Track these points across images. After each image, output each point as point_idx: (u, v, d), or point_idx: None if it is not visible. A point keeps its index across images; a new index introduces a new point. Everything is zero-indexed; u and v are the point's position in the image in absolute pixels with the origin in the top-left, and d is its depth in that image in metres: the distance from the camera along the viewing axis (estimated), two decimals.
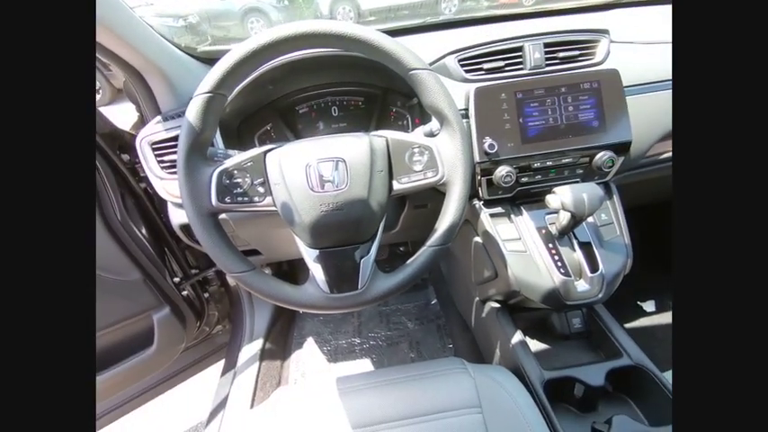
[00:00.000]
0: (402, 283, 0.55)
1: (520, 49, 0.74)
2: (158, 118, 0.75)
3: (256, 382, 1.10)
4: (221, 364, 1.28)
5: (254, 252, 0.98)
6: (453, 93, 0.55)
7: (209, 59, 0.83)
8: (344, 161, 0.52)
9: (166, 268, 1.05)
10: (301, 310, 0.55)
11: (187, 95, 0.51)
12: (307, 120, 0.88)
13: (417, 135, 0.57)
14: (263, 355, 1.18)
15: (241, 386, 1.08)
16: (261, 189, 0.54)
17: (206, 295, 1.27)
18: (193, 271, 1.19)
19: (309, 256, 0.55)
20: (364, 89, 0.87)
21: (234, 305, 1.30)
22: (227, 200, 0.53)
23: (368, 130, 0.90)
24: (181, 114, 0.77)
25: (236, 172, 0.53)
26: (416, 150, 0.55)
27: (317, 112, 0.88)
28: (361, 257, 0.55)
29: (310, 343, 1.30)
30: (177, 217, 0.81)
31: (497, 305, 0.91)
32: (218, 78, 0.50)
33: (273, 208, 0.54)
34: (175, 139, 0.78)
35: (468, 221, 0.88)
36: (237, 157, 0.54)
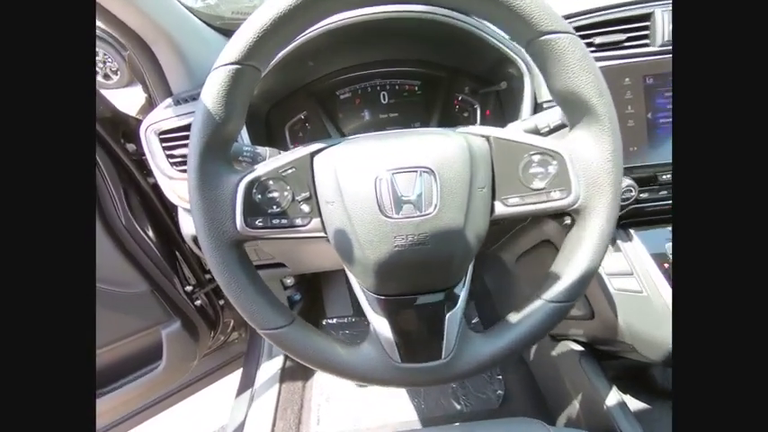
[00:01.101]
0: (507, 350, 0.38)
1: (647, 17, 0.55)
2: (168, 101, 0.59)
3: (276, 407, 0.96)
4: (236, 376, 1.15)
5: (278, 265, 0.83)
6: None
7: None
8: (433, 172, 0.35)
9: (177, 276, 0.91)
10: (358, 383, 0.40)
11: (205, 73, 0.34)
12: (349, 108, 0.71)
13: (533, 136, 0.39)
14: (284, 374, 1.05)
15: (259, 412, 0.95)
16: (305, 207, 0.38)
17: (221, 302, 1.14)
18: (208, 277, 1.05)
19: (371, 304, 0.39)
20: (424, 70, 0.68)
21: None
22: (259, 222, 0.37)
23: (427, 124, 0.74)
24: (196, 97, 0.61)
25: (271, 182, 0.37)
26: (536, 158, 0.37)
27: (363, 99, 0.71)
28: (448, 311, 0.38)
29: None
30: (190, 226, 0.66)
31: (579, 347, 0.73)
32: (248, 44, 0.33)
33: (322, 234, 0.38)
34: (189, 128, 0.62)
35: (548, 242, 0.70)
36: (273, 161, 0.38)
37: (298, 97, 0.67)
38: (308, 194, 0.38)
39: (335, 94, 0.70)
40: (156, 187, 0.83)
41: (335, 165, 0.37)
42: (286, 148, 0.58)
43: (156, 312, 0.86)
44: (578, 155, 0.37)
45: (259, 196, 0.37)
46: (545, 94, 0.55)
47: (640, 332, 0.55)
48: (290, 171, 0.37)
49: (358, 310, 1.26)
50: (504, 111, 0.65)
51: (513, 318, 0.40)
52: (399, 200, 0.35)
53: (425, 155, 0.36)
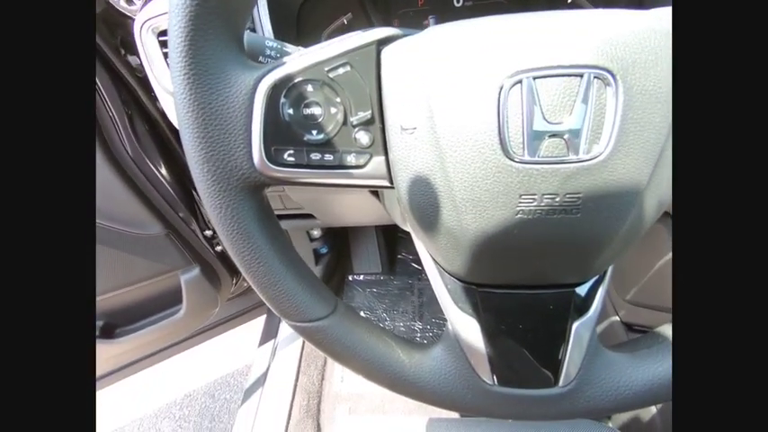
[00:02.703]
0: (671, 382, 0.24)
1: None
2: None
3: (300, 362, 0.91)
4: (259, 323, 1.11)
5: (306, 216, 0.70)
6: None
7: None
8: (613, 78, 0.19)
9: (195, 219, 0.81)
10: (428, 404, 0.29)
11: None
12: (409, 11, 0.52)
13: None
14: None
15: (282, 365, 0.90)
16: (364, 137, 0.23)
17: None
18: None
19: (453, 296, 0.26)
20: None
21: None
22: (289, 157, 0.22)
23: None
24: None
25: (310, 88, 0.22)
26: None
27: None
28: (577, 316, 0.24)
29: None
30: None
31: None
32: None
33: (386, 184, 0.23)
34: None
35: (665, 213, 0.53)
36: (315, 53, 0.22)
37: None
38: (368, 114, 0.23)
39: None
40: (164, 113, 0.69)
41: (423, 62, 0.21)
42: None
43: (173, 257, 0.78)
44: None
45: (290, 111, 0.22)
46: None
47: None
48: (341, 71, 0.22)
49: (388, 268, 1.16)
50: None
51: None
52: (540, 129, 0.19)
53: (602, 46, 0.19)
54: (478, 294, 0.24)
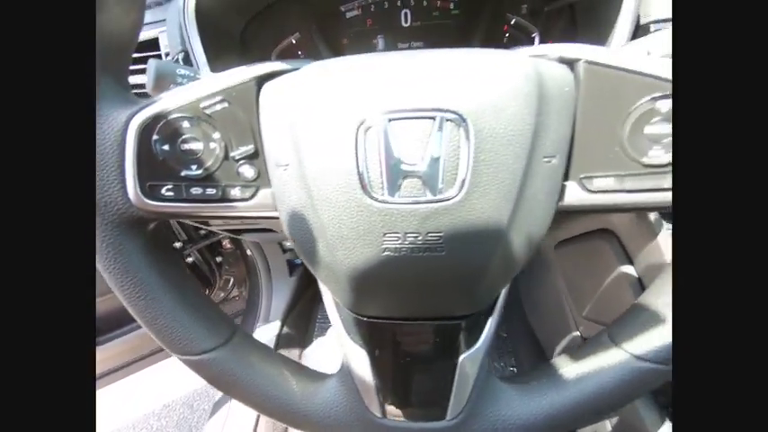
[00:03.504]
0: (558, 418, 0.24)
1: None
2: None
3: None
4: None
5: (266, 229, 0.70)
6: None
7: None
8: (464, 122, 0.19)
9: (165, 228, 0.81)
10: None
11: None
12: (358, 30, 0.53)
13: (661, 61, 0.21)
14: (279, 342, 0.98)
15: None
16: (248, 170, 0.23)
17: (218, 259, 1.06)
18: (202, 232, 0.96)
19: (346, 325, 0.26)
20: None
21: (250, 276, 1.09)
22: (167, 192, 0.23)
23: None
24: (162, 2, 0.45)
25: (186, 124, 0.22)
26: (664, 106, 0.20)
27: (377, 19, 0.52)
28: (465, 349, 0.24)
29: None
30: None
31: None
32: None
33: (274, 214, 0.23)
34: (154, 45, 0.47)
35: (607, 232, 0.53)
36: (193, 89, 0.22)
37: (288, 11, 0.49)
38: (251, 149, 0.23)
39: (340, 11, 0.51)
40: None
41: (291, 101, 0.21)
42: None
43: None
44: None
45: (165, 147, 0.22)
46: (656, 8, 0.35)
47: None
48: (218, 107, 0.22)
49: None
50: (576, 41, 0.45)
51: (574, 367, 0.25)
52: (398, 170, 0.19)
53: (453, 90, 0.19)
54: (367, 325, 0.24)
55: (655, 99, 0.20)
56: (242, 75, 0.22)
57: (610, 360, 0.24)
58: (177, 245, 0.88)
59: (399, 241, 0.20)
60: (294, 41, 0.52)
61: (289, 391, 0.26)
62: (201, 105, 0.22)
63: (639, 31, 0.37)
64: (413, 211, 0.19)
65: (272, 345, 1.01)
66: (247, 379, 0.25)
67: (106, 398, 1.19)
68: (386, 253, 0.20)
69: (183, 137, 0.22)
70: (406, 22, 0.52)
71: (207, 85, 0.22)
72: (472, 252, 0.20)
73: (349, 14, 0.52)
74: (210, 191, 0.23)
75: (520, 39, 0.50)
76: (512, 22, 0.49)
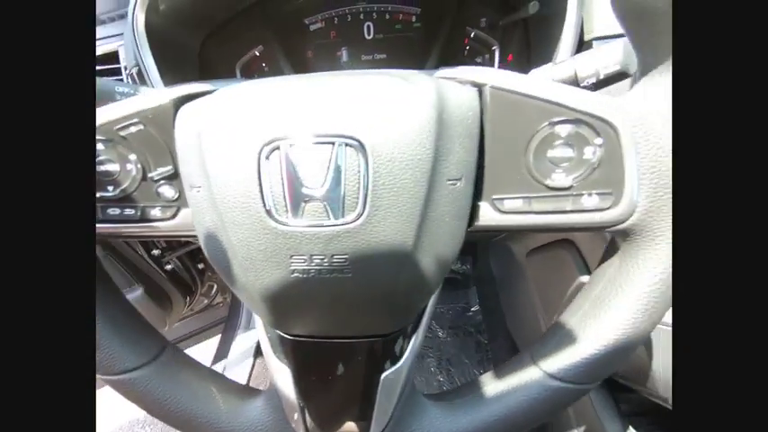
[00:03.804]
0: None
1: None
2: None
3: (248, 380, 0.90)
4: (216, 342, 1.11)
5: None
6: None
7: None
8: (361, 147, 0.19)
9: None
10: None
11: None
12: (322, 43, 0.53)
13: (565, 88, 0.21)
14: (259, 349, 0.98)
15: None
16: (168, 191, 0.23)
17: (200, 266, 1.06)
18: (182, 239, 0.96)
19: (272, 344, 0.26)
20: None
21: None
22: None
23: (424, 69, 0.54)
24: (124, 15, 0.45)
25: (100, 146, 0.23)
26: (564, 130, 0.20)
27: (340, 32, 0.52)
28: (385, 367, 0.24)
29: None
30: None
31: None
32: None
33: (189, 233, 0.24)
34: (114, 58, 0.47)
35: (567, 242, 0.53)
36: (105, 113, 0.23)
37: (250, 24, 0.50)
38: (170, 169, 0.23)
39: (304, 23, 0.52)
40: None
41: (201, 124, 0.21)
42: None
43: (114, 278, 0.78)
44: (651, 128, 0.19)
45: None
46: (598, 25, 0.36)
47: None
48: (133, 129, 0.22)
49: None
50: (531, 54, 0.46)
51: (495, 385, 0.25)
52: (300, 193, 0.20)
53: (351, 114, 0.19)
54: (290, 343, 0.24)
55: (553, 124, 0.20)
56: (159, 97, 0.23)
57: (527, 378, 0.24)
58: (155, 252, 0.88)
59: (306, 263, 0.20)
60: (258, 54, 0.52)
61: (214, 410, 0.26)
62: (115, 128, 0.22)
63: (584, 47, 0.37)
64: (316, 234, 0.20)
65: (251, 353, 1.01)
66: (172, 398, 0.25)
67: (106, 397, 1.18)
68: (295, 274, 0.20)
69: (99, 158, 0.23)
70: (369, 34, 0.52)
71: (122, 107, 0.22)
72: (378, 274, 0.20)
73: (313, 27, 0.52)
74: (129, 211, 0.23)
75: (480, 51, 0.50)
76: (472, 36, 0.50)
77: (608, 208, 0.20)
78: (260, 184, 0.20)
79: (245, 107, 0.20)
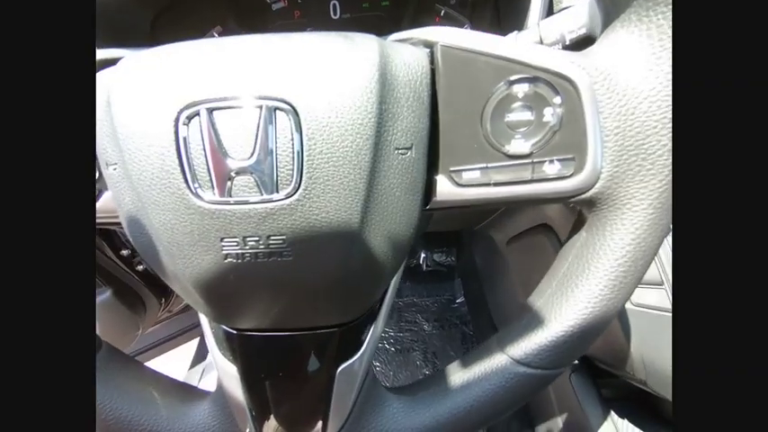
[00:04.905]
0: (442, 429, 0.22)
1: None
2: None
3: None
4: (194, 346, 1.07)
5: None
6: None
7: None
8: (293, 111, 0.17)
9: (105, 238, 0.77)
10: None
11: None
12: (285, 24, 0.50)
13: (522, 46, 0.19)
14: None
15: (209, 386, 0.86)
16: None
17: None
18: None
19: (216, 340, 0.23)
20: None
21: None
22: None
23: None
24: None
25: None
26: (521, 91, 0.18)
27: (304, 11, 0.50)
28: (341, 361, 0.22)
29: None
30: None
31: None
32: None
33: (114, 220, 0.21)
34: None
35: (546, 227, 0.52)
36: None
37: (204, 2, 0.47)
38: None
39: (265, 2, 0.49)
40: None
41: (108, 92, 0.18)
42: None
43: None
44: (613, 84, 0.18)
45: None
46: None
47: (659, 367, 0.39)
48: None
49: None
50: (502, 29, 0.44)
51: (460, 374, 0.24)
52: (224, 166, 0.17)
53: (281, 76, 0.17)
54: (236, 339, 0.22)
55: (510, 83, 0.18)
56: None
57: (494, 365, 0.23)
58: (125, 252, 0.84)
59: (239, 246, 0.18)
60: (216, 35, 0.49)
61: (153, 415, 0.23)
62: None
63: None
64: (247, 212, 0.17)
65: None
66: (104, 403, 0.23)
67: None
68: (228, 260, 0.18)
69: None
70: (335, 14, 0.49)
71: None
72: (323, 256, 0.18)
73: (275, 6, 0.49)
74: None
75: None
76: (441, 13, 0.48)
77: (570, 175, 0.19)
78: (179, 157, 0.17)
79: (159, 69, 0.18)
